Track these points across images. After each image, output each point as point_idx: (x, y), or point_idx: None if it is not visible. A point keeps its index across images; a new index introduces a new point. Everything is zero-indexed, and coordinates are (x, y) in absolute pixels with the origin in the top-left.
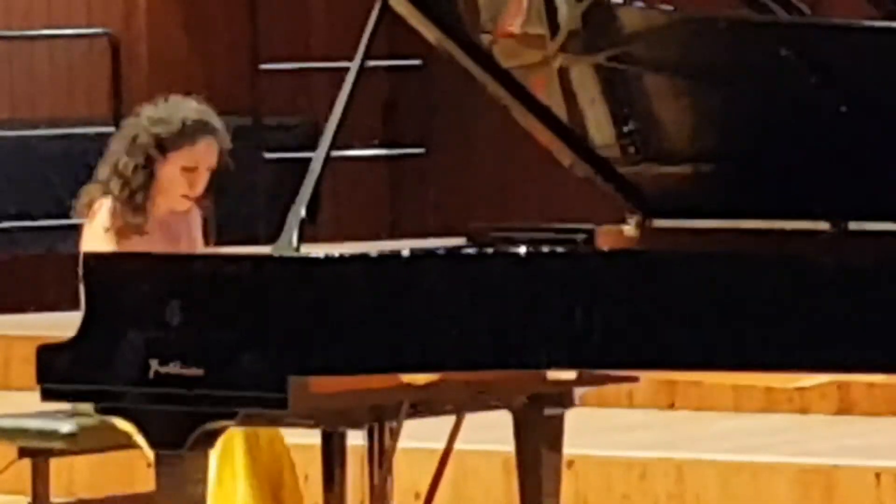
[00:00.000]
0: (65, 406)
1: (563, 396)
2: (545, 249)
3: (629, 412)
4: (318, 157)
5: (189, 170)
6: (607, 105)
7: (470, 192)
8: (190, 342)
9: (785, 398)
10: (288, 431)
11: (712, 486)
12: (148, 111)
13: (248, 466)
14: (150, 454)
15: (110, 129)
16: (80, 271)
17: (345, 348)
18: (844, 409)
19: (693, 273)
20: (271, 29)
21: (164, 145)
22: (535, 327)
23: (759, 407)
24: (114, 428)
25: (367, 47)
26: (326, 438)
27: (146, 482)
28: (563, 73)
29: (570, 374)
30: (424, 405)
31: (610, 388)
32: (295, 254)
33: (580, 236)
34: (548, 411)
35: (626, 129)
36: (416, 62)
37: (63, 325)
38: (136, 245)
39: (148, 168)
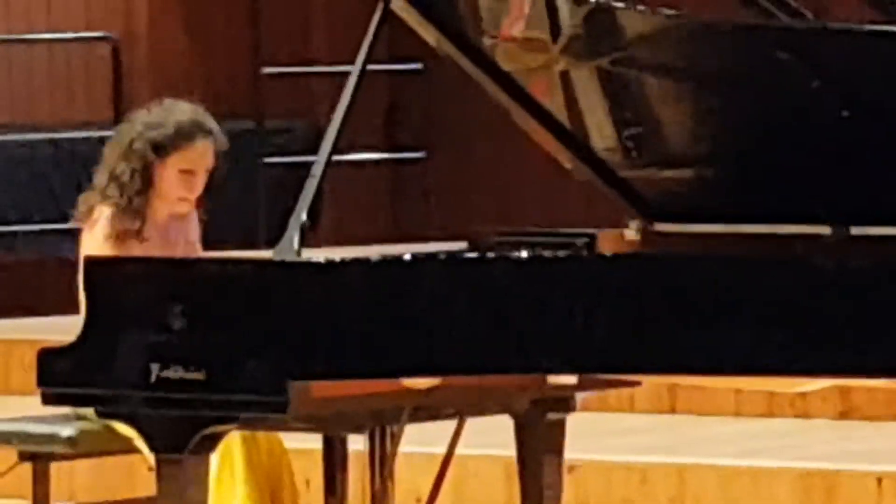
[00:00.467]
0: (66, 410)
1: (564, 401)
2: (546, 253)
3: (630, 416)
4: (319, 161)
5: (186, 172)
6: (609, 109)
7: (471, 195)
8: (191, 346)
9: (786, 402)
10: (289, 436)
11: (713, 491)
12: (141, 116)
13: (247, 468)
14: (151, 458)
15: (110, 133)
16: (80, 278)
17: (346, 352)
18: (846, 413)
19: (694, 277)
20: (272, 33)
21: (160, 149)
22: (537, 331)
23: (761, 411)
24: (115, 432)
25: (369, 51)
26: (328, 443)
27: (147, 486)
28: (565, 77)
29: (571, 379)
30: (426, 410)
31: (611, 393)
32: (296, 258)
33: (581, 240)
34: (549, 416)
35: (627, 132)
36: (418, 66)
37: (63, 329)
38: (136, 250)
39: (145, 173)
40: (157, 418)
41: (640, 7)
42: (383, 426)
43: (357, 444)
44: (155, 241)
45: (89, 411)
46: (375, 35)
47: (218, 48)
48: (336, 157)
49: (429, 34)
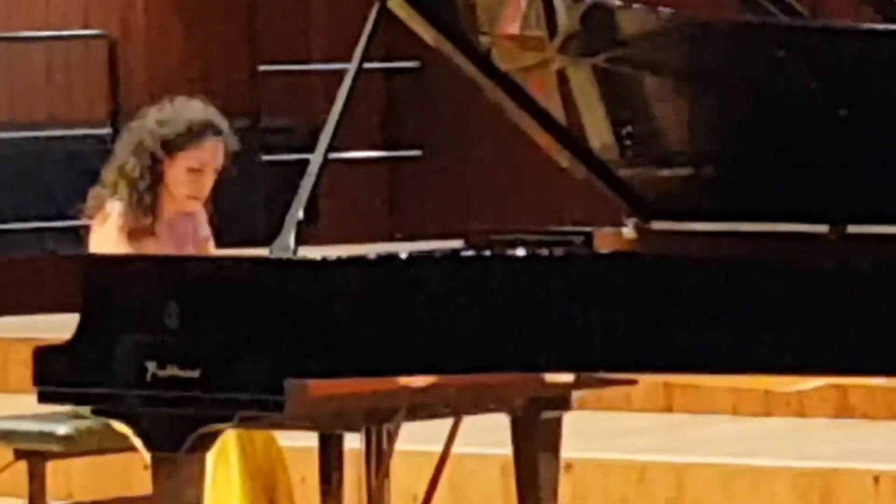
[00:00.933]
0: (62, 408)
1: (561, 399)
2: (543, 252)
3: (627, 415)
4: (315, 160)
5: (195, 171)
6: (606, 107)
7: (468, 194)
8: (187, 345)
9: (784, 401)
10: (285, 434)
11: (711, 490)
12: (153, 113)
13: (243, 467)
14: (147, 457)
15: (108, 130)
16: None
17: (342, 351)
18: (843, 412)
19: (692, 276)
20: (270, 30)
21: (170, 147)
22: (534, 330)
23: (758, 410)
24: (111, 430)
25: (365, 49)
26: (324, 441)
27: (143, 485)
28: (562, 76)
29: (568, 377)
30: (422, 408)
31: (608, 391)
32: (292, 256)
33: (578, 239)
34: (546, 414)
35: (624, 131)
36: (414, 64)
37: (61, 327)
38: (147, 247)
39: (154, 169)
40: (153, 417)
41: (637, 5)
42: (380, 424)
43: (353, 442)
44: (165, 237)
45: (86, 410)
46: (372, 33)
47: (215, 46)
48: (333, 156)
49: (426, 32)
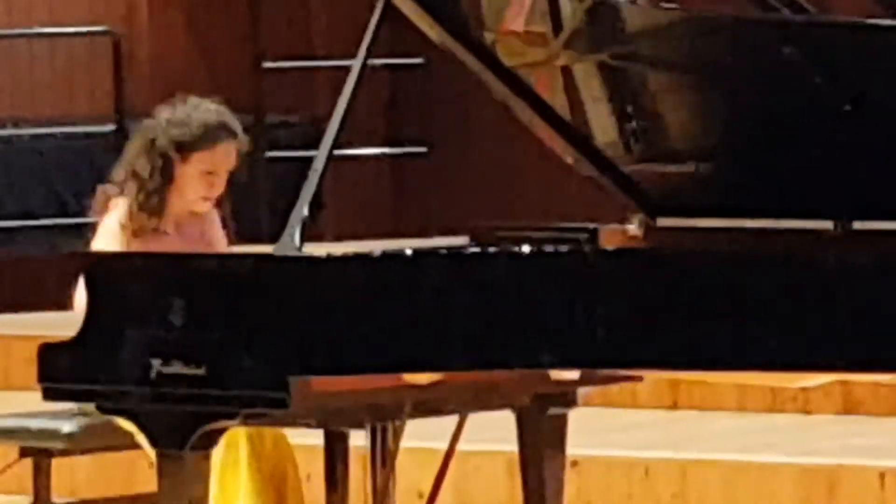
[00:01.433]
0: (67, 406)
1: (566, 396)
2: (548, 249)
3: (633, 412)
4: (320, 156)
5: (208, 173)
6: (611, 103)
7: (472, 190)
8: (192, 342)
9: (789, 398)
10: (291, 432)
11: (716, 486)
12: (166, 113)
13: (252, 464)
14: (151, 454)
15: (111, 127)
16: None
17: (347, 348)
18: (849, 408)
19: (697, 272)
20: (273, 27)
21: (183, 148)
22: (539, 327)
23: (763, 407)
24: (115, 428)
25: (370, 45)
26: (329, 439)
27: (148, 482)
28: (567, 72)
29: (573, 374)
30: (427, 405)
31: (613, 388)
32: (297, 253)
33: (583, 235)
34: (551, 411)
35: (629, 127)
36: (419, 60)
37: (64, 324)
38: (152, 246)
39: (166, 170)
40: (157, 414)
41: (642, 1)
42: (384, 421)
43: (358, 439)
44: (173, 236)
45: (90, 407)
46: (376, 29)
47: (219, 42)
48: (337, 152)
49: (430, 28)
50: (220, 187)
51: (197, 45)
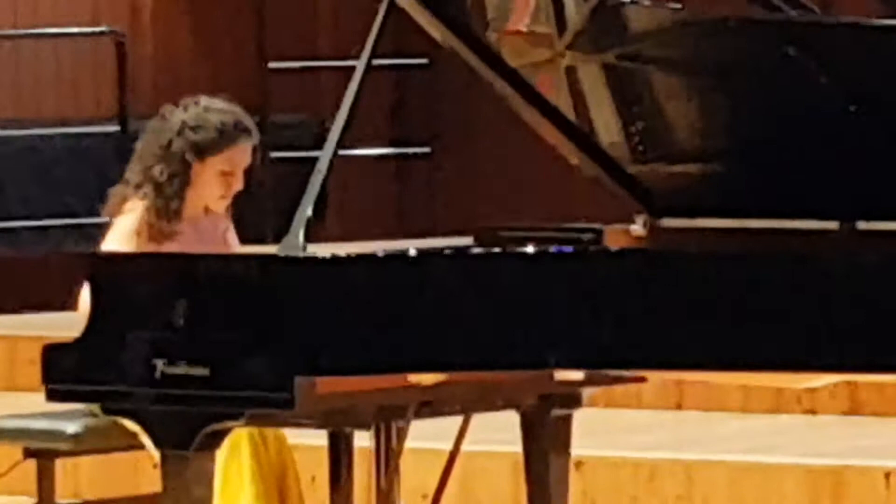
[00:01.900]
0: (71, 406)
1: (571, 397)
2: (553, 249)
3: (637, 413)
4: (324, 156)
5: (227, 173)
6: (615, 104)
7: (477, 191)
8: (196, 342)
9: (794, 398)
10: (295, 432)
11: (721, 487)
12: (180, 115)
13: (254, 468)
14: (156, 455)
15: (116, 128)
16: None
17: (351, 348)
18: (854, 409)
19: (701, 272)
20: (278, 27)
21: (201, 150)
22: (543, 327)
23: (768, 407)
24: (119, 428)
25: (374, 46)
26: (333, 439)
27: (152, 483)
28: (571, 72)
29: (577, 375)
30: (432, 405)
31: (618, 389)
32: (301, 253)
33: (588, 236)
34: (556, 412)
35: (633, 128)
36: (423, 61)
37: (68, 325)
38: (168, 247)
39: (184, 174)
40: (162, 414)
41: (647, 2)
42: (389, 422)
43: (363, 440)
44: (188, 236)
45: (94, 407)
46: (381, 30)
47: (224, 43)
48: (342, 153)
49: (435, 29)
50: (237, 185)
51: (201, 46)
